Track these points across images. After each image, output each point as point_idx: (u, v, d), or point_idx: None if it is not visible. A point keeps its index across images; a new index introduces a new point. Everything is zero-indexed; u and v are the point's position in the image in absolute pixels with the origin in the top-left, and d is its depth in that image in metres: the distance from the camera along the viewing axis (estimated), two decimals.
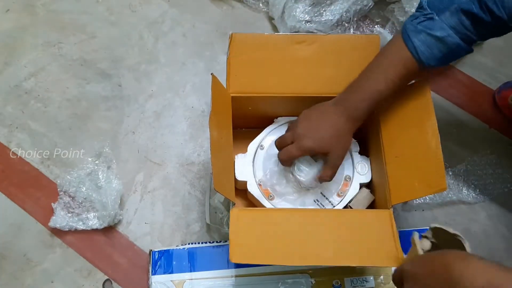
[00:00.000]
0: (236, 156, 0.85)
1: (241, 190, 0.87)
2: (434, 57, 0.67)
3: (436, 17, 0.66)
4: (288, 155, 0.76)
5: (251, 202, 0.88)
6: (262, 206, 0.83)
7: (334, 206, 0.83)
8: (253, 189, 0.83)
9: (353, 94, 0.73)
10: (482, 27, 0.65)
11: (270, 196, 0.82)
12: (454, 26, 0.65)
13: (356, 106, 0.73)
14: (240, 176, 0.84)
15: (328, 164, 0.76)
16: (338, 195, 0.84)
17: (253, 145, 0.87)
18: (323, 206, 0.83)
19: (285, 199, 0.82)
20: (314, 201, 0.83)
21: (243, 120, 0.89)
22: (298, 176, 0.80)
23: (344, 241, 0.71)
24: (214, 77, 0.73)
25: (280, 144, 0.78)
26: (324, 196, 0.83)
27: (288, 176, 0.83)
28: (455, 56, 0.69)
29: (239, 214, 0.72)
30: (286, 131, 0.80)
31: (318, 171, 0.80)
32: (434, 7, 0.67)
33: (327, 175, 0.77)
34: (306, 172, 0.79)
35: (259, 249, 0.69)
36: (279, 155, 0.78)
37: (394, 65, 0.70)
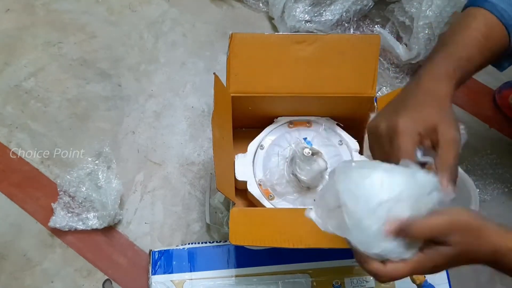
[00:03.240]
0: (236, 156, 0.85)
1: (241, 190, 0.87)
2: None
3: None
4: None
5: (251, 202, 0.87)
6: (262, 206, 0.83)
7: None
8: (253, 189, 0.83)
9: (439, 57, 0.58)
10: None
11: (270, 196, 0.82)
12: None
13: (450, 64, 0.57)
14: (240, 176, 0.83)
15: (442, 146, 0.51)
16: None
17: (253, 145, 0.87)
18: None
19: (285, 199, 0.82)
20: (315, 200, 0.83)
21: (243, 120, 0.89)
22: (299, 175, 0.80)
23: None
24: (216, 77, 0.73)
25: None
26: None
27: (288, 175, 0.83)
28: None
29: (239, 213, 0.72)
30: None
31: (319, 170, 0.79)
32: None
33: (448, 163, 0.50)
34: (307, 170, 0.79)
35: (258, 234, 0.69)
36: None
37: (487, 36, 0.58)
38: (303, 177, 0.80)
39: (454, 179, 0.50)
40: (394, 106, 0.55)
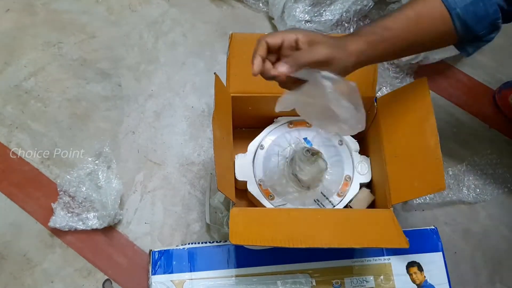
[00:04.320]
0: (236, 156, 0.85)
1: (241, 190, 0.87)
2: (464, 1, 0.62)
3: None
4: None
5: (251, 202, 0.88)
6: (262, 206, 0.83)
7: (334, 206, 0.83)
8: (253, 189, 0.83)
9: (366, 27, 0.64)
10: None
11: (270, 196, 0.82)
12: None
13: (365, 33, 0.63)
14: (240, 176, 0.84)
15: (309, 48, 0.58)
16: (338, 195, 0.84)
17: (253, 145, 0.87)
18: (323, 206, 0.83)
19: (285, 199, 0.82)
20: (314, 200, 0.83)
21: (243, 120, 0.89)
22: (299, 175, 0.80)
23: (345, 228, 0.71)
24: (216, 77, 0.73)
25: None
26: (324, 196, 0.84)
27: (288, 175, 0.83)
28: (484, 11, 0.62)
29: (239, 213, 0.72)
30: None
31: (319, 170, 0.80)
32: None
33: (292, 61, 0.58)
34: (307, 170, 0.79)
35: (258, 233, 0.70)
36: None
37: (420, 14, 0.63)
38: (303, 177, 0.80)
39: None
40: None
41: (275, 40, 0.58)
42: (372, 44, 0.62)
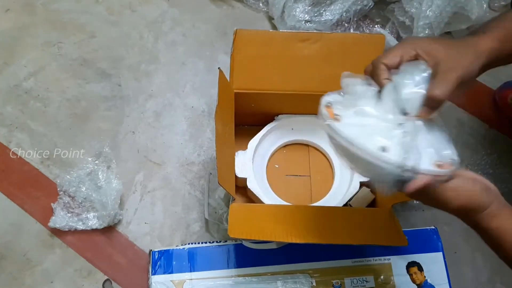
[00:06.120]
0: (236, 153, 0.85)
1: (240, 187, 0.87)
2: None
3: None
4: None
5: (251, 199, 0.88)
6: (262, 203, 0.83)
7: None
8: (253, 185, 0.83)
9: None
10: None
11: (336, 116, 0.56)
12: None
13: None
14: (240, 173, 0.83)
15: (439, 75, 0.54)
16: None
17: (253, 142, 0.87)
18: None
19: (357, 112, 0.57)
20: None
21: (244, 117, 0.89)
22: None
23: (344, 226, 0.71)
24: (221, 72, 0.73)
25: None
26: None
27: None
28: None
29: (238, 208, 0.72)
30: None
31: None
32: None
33: (437, 90, 0.53)
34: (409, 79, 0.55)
35: (256, 228, 0.69)
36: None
37: None
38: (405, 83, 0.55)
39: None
40: None
41: (393, 61, 0.56)
42: (502, 41, 0.58)
